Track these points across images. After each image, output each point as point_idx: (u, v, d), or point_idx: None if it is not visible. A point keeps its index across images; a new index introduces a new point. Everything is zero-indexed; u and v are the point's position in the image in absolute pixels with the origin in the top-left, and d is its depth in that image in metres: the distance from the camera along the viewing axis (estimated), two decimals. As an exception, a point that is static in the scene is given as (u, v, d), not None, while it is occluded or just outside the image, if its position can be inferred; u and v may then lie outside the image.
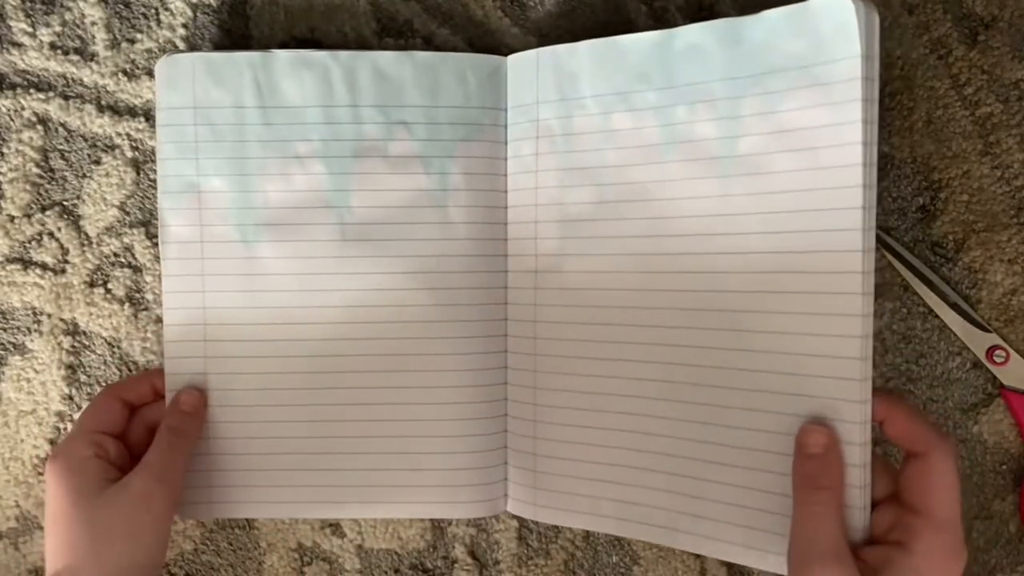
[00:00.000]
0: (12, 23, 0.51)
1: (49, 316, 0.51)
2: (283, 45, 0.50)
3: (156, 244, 0.50)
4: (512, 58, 0.48)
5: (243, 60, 0.47)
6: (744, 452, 0.43)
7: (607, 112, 0.45)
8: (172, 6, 0.51)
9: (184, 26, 0.51)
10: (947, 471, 0.38)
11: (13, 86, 0.51)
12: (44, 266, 0.51)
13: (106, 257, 0.51)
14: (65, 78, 0.51)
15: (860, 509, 0.40)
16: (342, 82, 0.47)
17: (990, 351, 0.49)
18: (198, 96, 0.47)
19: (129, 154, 0.51)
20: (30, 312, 0.51)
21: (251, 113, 0.48)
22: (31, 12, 0.51)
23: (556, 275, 0.47)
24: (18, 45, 0.51)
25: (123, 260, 0.51)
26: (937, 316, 0.50)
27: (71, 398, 0.51)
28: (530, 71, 0.48)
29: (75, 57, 0.51)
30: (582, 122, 0.46)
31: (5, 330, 0.51)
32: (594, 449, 0.47)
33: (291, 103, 0.48)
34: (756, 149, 0.42)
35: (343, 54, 0.47)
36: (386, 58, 0.47)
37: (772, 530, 0.42)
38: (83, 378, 0.51)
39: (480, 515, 0.49)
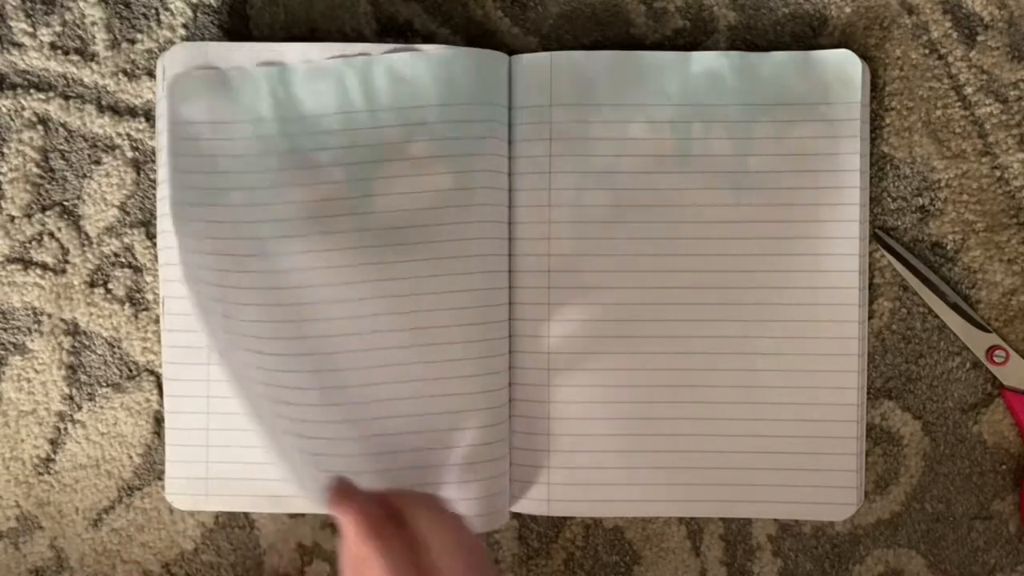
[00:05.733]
0: (12, 23, 0.51)
1: (49, 316, 0.51)
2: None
3: (156, 244, 0.50)
4: (521, 58, 0.49)
5: (260, 75, 0.47)
6: (746, 434, 0.49)
7: (625, 121, 0.48)
8: (172, 6, 0.51)
9: (184, 26, 0.51)
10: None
11: (13, 86, 0.51)
12: (44, 266, 0.51)
13: (106, 257, 0.51)
14: (65, 78, 0.51)
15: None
16: (358, 88, 0.47)
17: (990, 351, 0.49)
18: (215, 112, 0.47)
19: (129, 154, 0.51)
20: (30, 312, 0.51)
21: (269, 125, 0.47)
22: (31, 12, 0.51)
23: (572, 275, 0.48)
24: (18, 45, 0.51)
25: (123, 260, 0.51)
26: (937, 316, 0.50)
27: (71, 398, 0.51)
28: (543, 73, 0.48)
29: (75, 57, 0.51)
30: (599, 128, 0.48)
31: (5, 330, 0.51)
32: (614, 439, 0.49)
33: (309, 112, 0.47)
34: (765, 167, 0.48)
35: (357, 60, 0.47)
36: (401, 59, 0.47)
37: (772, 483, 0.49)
38: (83, 378, 0.51)
39: (486, 529, 0.49)
